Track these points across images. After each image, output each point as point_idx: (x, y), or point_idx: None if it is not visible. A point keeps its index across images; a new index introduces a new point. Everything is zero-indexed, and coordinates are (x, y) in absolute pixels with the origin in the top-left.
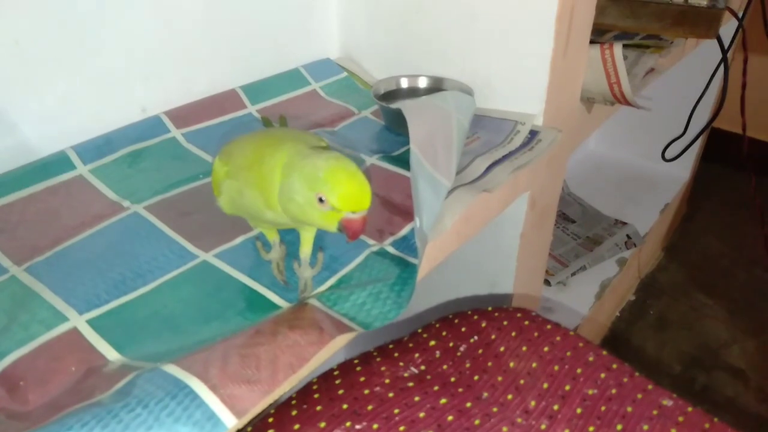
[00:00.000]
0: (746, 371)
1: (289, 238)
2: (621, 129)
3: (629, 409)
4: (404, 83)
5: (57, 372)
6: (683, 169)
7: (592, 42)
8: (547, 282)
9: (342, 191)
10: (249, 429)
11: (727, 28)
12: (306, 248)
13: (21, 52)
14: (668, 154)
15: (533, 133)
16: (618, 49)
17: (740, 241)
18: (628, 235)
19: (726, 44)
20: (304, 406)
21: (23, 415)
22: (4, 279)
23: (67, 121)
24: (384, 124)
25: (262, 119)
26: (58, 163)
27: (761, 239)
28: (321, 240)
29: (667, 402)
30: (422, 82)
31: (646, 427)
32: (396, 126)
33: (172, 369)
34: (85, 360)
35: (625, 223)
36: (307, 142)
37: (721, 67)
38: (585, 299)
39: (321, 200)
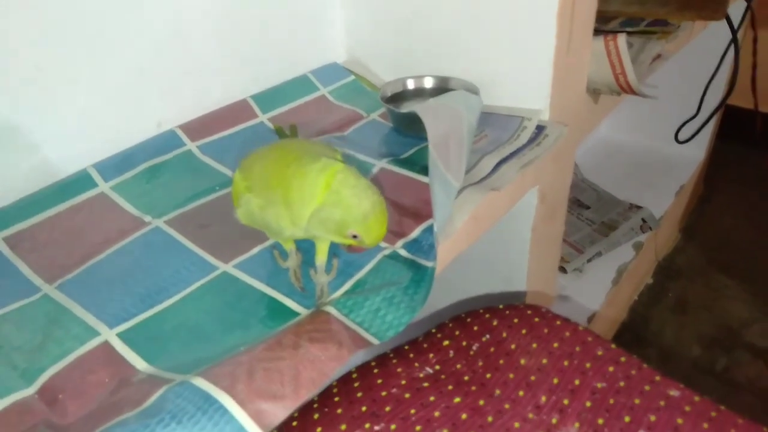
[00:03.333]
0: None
1: (304, 246)
2: (633, 112)
3: (637, 401)
4: (410, 84)
5: (92, 384)
6: (698, 150)
7: (596, 31)
8: (563, 269)
9: (375, 236)
10: None
11: (736, 7)
12: (321, 256)
13: (41, 75)
14: (681, 136)
15: (540, 129)
16: (622, 40)
17: (759, 219)
18: (643, 219)
19: (735, 24)
20: (326, 410)
21: (64, 427)
22: (38, 297)
23: (86, 139)
24: (392, 126)
25: (275, 129)
26: (80, 181)
27: None
28: (335, 247)
29: (674, 392)
30: (428, 83)
31: (653, 418)
32: (404, 128)
33: (201, 383)
34: (117, 372)
35: (640, 207)
36: (324, 155)
37: (732, 47)
38: (602, 285)
39: (354, 236)
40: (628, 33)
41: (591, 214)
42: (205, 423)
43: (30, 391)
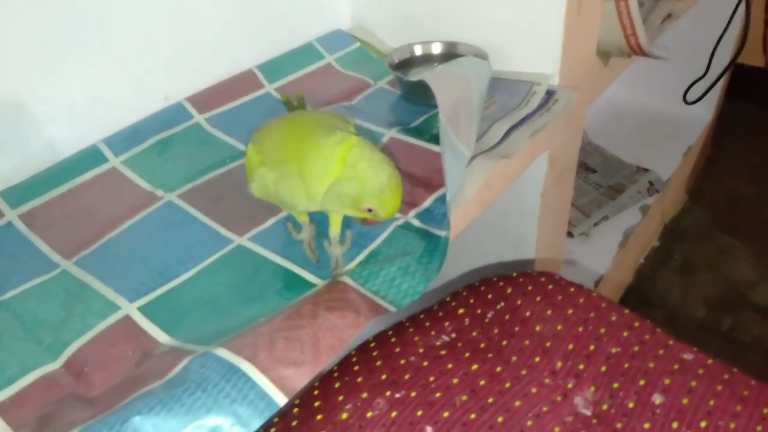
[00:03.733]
0: None
1: (318, 217)
2: (640, 74)
3: (651, 365)
4: (418, 50)
5: (116, 357)
6: (706, 110)
7: None
8: (569, 234)
9: (390, 209)
10: (296, 401)
11: None
12: (335, 228)
13: (48, 52)
14: (690, 97)
15: (550, 94)
16: (633, 0)
17: (766, 179)
18: (650, 182)
19: None
20: (346, 378)
21: (91, 400)
22: (57, 273)
23: (94, 114)
24: (400, 94)
25: (283, 100)
26: (91, 156)
27: None
28: (348, 219)
29: (688, 356)
30: (436, 48)
31: (667, 381)
32: (413, 95)
33: (224, 353)
34: (139, 345)
35: (647, 170)
36: (337, 127)
37: (743, 3)
38: (608, 249)
39: (369, 209)
40: None
41: (598, 178)
42: (230, 390)
43: (56, 365)
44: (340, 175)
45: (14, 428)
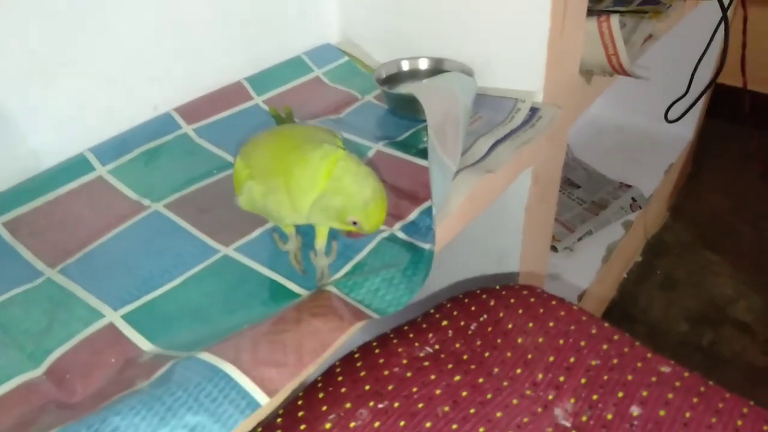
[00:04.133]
0: (752, 326)
1: (304, 228)
2: (623, 91)
3: (630, 377)
4: (405, 66)
5: (99, 364)
6: (687, 128)
7: (589, 11)
8: (553, 248)
9: (375, 223)
10: (280, 411)
11: None
12: (321, 239)
13: (37, 60)
14: (671, 115)
15: (534, 110)
16: (615, 21)
17: (746, 196)
18: (633, 198)
19: (725, 2)
20: (330, 389)
21: (72, 406)
22: (41, 282)
23: (81, 123)
24: (388, 108)
25: (271, 112)
26: (78, 165)
27: (766, 193)
28: (334, 230)
29: (665, 369)
30: (423, 64)
31: (645, 393)
32: (400, 109)
33: (206, 356)
34: (122, 352)
35: (629, 186)
36: (324, 140)
37: (722, 25)
38: (592, 263)
39: (354, 222)
40: (621, 13)
41: (581, 193)
42: (211, 389)
43: (38, 372)
44: (326, 188)
45: None
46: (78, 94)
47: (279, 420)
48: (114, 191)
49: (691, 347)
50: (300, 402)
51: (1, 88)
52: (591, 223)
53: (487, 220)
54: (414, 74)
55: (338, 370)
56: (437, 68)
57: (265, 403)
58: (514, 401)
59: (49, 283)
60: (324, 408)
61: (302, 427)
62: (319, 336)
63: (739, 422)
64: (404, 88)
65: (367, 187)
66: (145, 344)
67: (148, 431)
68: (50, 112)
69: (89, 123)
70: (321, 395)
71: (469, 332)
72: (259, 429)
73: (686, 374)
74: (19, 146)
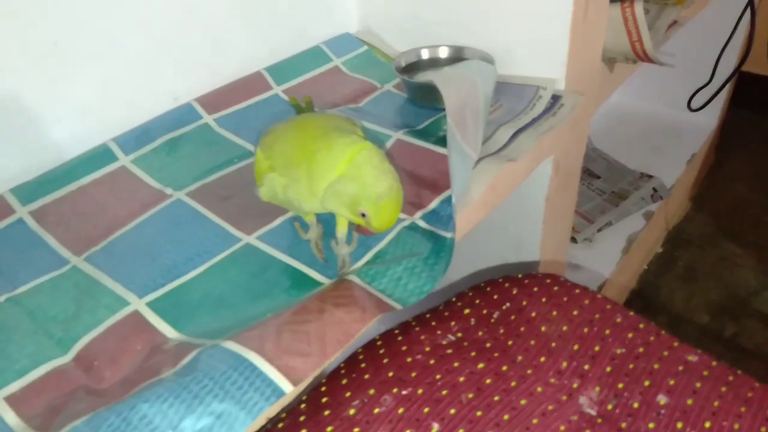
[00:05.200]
0: None
1: (325, 217)
2: (645, 80)
3: (656, 366)
4: (425, 54)
5: (125, 351)
6: (710, 118)
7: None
8: (573, 239)
9: (384, 220)
10: (304, 398)
11: None
12: (342, 228)
13: (60, 51)
14: (694, 104)
15: (555, 98)
16: (639, 7)
17: None
18: (654, 188)
19: None
20: (353, 375)
21: (101, 392)
22: (67, 269)
23: (104, 114)
24: (407, 97)
25: (291, 102)
26: (101, 155)
27: None
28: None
29: (692, 358)
30: (443, 52)
31: (672, 382)
32: (419, 98)
33: (231, 345)
34: (148, 339)
35: (650, 176)
36: (346, 129)
37: (748, 12)
38: (612, 254)
39: (363, 215)
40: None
41: (601, 184)
42: (237, 377)
43: (67, 358)
44: (344, 173)
45: (24, 419)
46: (100, 84)
47: (303, 406)
48: (137, 180)
49: (713, 339)
50: (323, 388)
51: (26, 78)
52: (611, 214)
53: (508, 210)
54: (434, 63)
55: (361, 357)
56: (457, 56)
57: (290, 391)
58: (539, 389)
59: (75, 271)
60: (348, 394)
61: (326, 413)
62: (342, 326)
63: None
64: (423, 77)
65: (383, 181)
66: (170, 331)
67: (176, 418)
68: (73, 103)
69: (112, 113)
70: (344, 381)
71: (492, 320)
72: (283, 415)
73: (714, 363)
74: (43, 137)
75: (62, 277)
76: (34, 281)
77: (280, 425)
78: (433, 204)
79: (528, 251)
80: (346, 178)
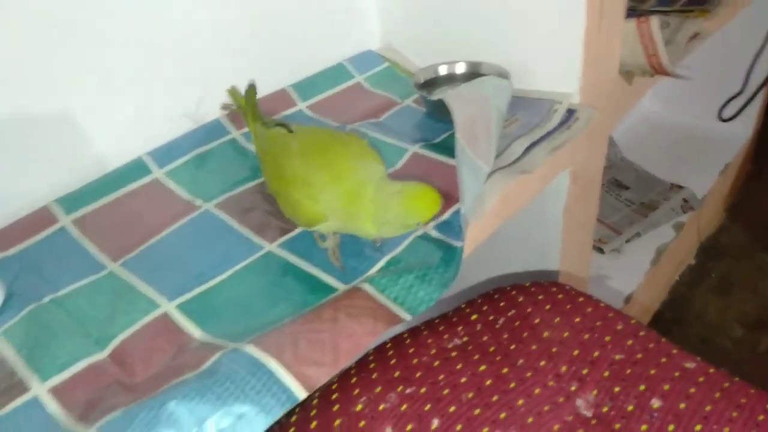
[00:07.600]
0: None
1: None
2: (675, 89)
3: (653, 371)
4: (443, 70)
5: (156, 350)
6: (744, 127)
7: (631, 11)
8: (600, 250)
9: (429, 210)
10: (316, 395)
11: None
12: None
13: (101, 72)
14: (726, 114)
15: (571, 112)
16: (654, 22)
17: None
18: (684, 199)
19: None
20: (363, 375)
21: (133, 387)
22: (105, 274)
23: (140, 130)
24: (425, 112)
25: (229, 93)
26: (136, 168)
27: None
28: None
29: (690, 364)
30: (460, 68)
31: (666, 387)
32: (437, 113)
33: (252, 350)
34: (176, 339)
35: (681, 187)
36: (354, 149)
37: None
38: (640, 266)
39: (417, 224)
40: (665, 12)
41: (630, 195)
42: (255, 383)
43: (103, 354)
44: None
45: (66, 408)
46: (136, 102)
47: (315, 402)
48: (169, 192)
49: (747, 352)
50: (334, 386)
51: (71, 97)
52: (640, 225)
53: (528, 220)
54: (451, 78)
55: (371, 358)
56: (474, 72)
57: (304, 397)
58: (537, 391)
59: (111, 276)
60: (356, 392)
61: (335, 408)
62: (354, 338)
63: (761, 417)
64: (439, 94)
65: (400, 197)
66: (196, 331)
67: (201, 417)
68: (112, 119)
69: (146, 129)
70: (354, 380)
71: (497, 326)
72: (297, 409)
73: (711, 370)
74: (85, 151)
75: (100, 281)
76: (75, 284)
77: (293, 419)
78: (446, 214)
79: (548, 261)
80: (384, 211)
